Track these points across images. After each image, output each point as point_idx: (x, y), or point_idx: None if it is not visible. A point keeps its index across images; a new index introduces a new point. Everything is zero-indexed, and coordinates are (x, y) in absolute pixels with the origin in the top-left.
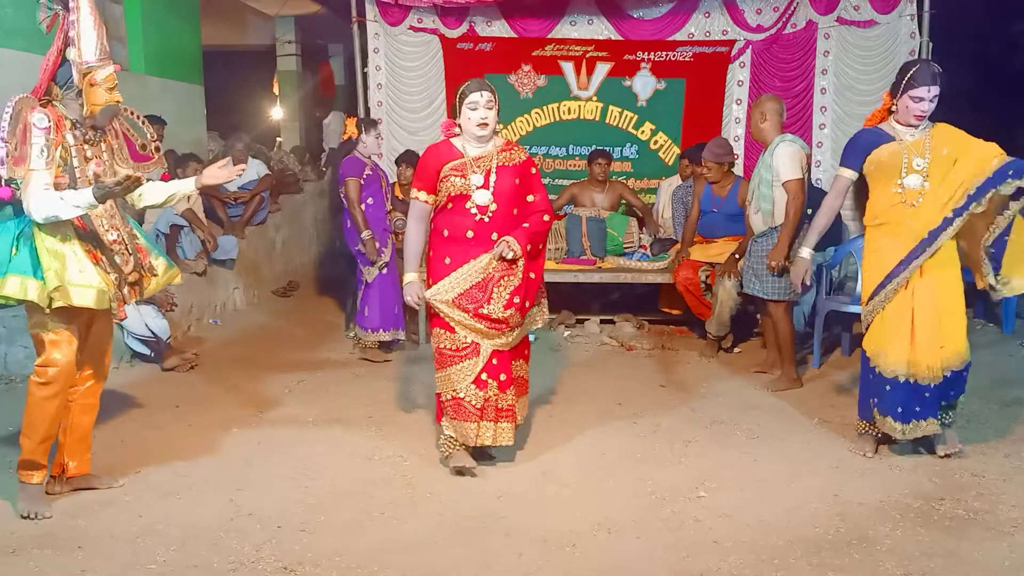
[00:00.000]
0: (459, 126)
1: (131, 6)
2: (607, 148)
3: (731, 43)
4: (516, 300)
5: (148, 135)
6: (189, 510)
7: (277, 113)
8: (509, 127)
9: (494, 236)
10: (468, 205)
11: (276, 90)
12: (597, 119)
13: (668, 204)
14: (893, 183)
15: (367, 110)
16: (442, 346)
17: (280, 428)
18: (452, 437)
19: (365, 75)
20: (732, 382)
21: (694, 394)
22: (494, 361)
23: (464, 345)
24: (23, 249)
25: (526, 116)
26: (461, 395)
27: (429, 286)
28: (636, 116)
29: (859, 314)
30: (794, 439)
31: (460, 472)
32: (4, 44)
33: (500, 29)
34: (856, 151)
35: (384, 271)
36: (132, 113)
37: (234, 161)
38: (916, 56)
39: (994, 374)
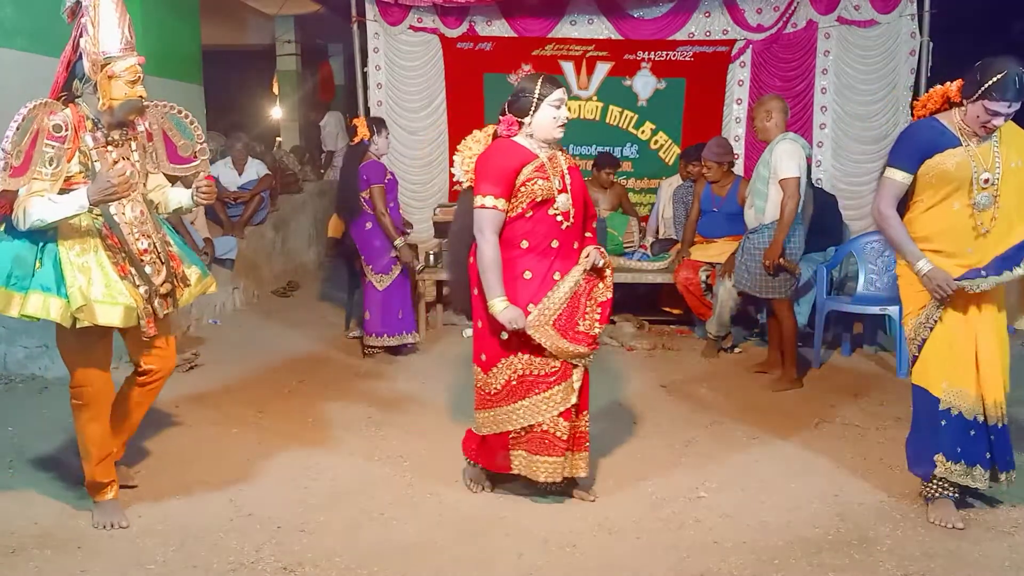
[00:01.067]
0: (520, 125)
1: (131, 6)
2: (614, 153)
3: (731, 43)
4: (607, 312)
5: (195, 136)
6: (189, 510)
7: (277, 113)
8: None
9: (575, 245)
10: (552, 211)
11: (276, 90)
12: (597, 119)
13: (668, 204)
14: (960, 201)
15: (367, 110)
16: (523, 373)
17: (280, 428)
18: (479, 472)
19: (365, 75)
20: (732, 382)
21: (694, 394)
22: (579, 385)
23: (554, 369)
24: (47, 263)
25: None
26: (546, 427)
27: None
28: (636, 116)
29: (859, 314)
30: (794, 439)
31: (470, 482)
32: (4, 44)
33: (500, 29)
34: (913, 149)
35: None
36: (180, 112)
37: (233, 161)
38: (916, 56)
39: None
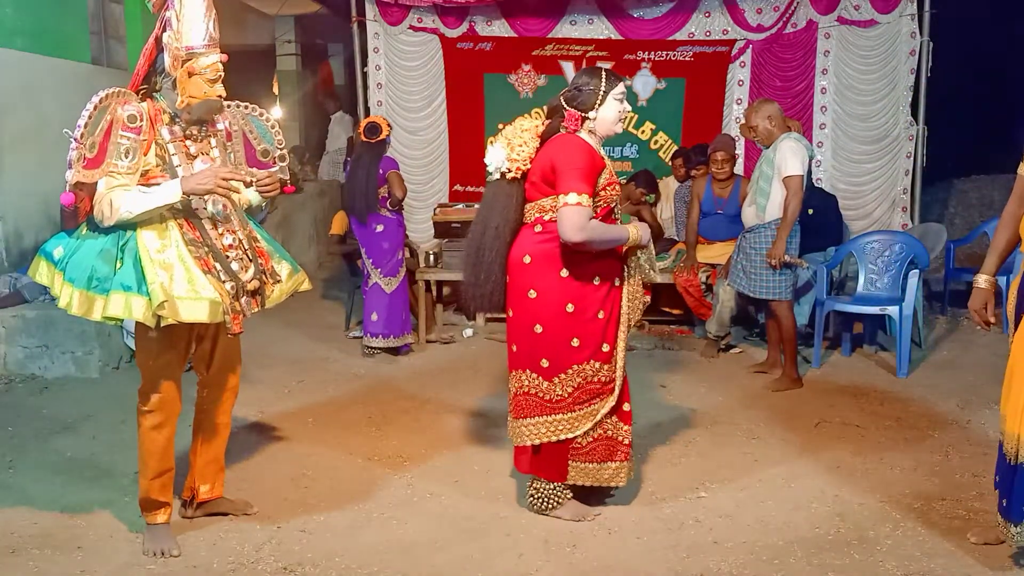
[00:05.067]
0: (583, 120)
1: (131, 6)
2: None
3: (731, 43)
4: None
5: (275, 142)
6: None
7: (277, 113)
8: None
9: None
10: (616, 216)
11: (276, 90)
12: None
13: (668, 204)
14: None
15: (367, 110)
16: (592, 379)
17: (280, 428)
18: (560, 487)
19: (365, 75)
20: (732, 382)
21: (694, 394)
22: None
23: (613, 375)
24: (127, 261)
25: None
26: (611, 434)
27: (565, 312)
28: (636, 116)
29: (859, 314)
30: (794, 439)
31: (580, 519)
32: (4, 44)
33: (500, 29)
34: None
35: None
36: (261, 115)
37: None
38: (916, 56)
39: (995, 374)
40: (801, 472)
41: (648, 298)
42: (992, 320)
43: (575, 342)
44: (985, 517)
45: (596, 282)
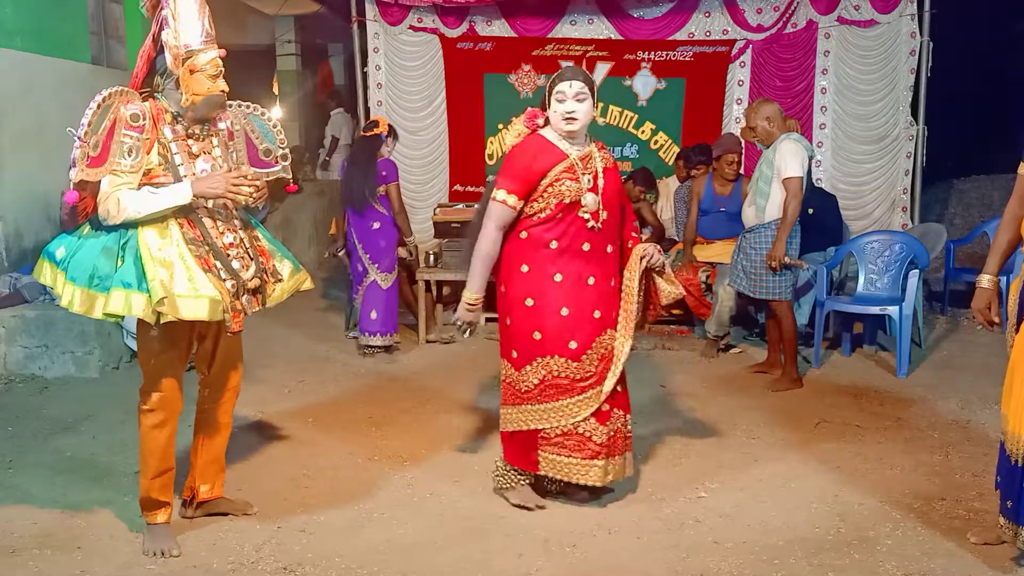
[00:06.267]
0: (546, 118)
1: (131, 6)
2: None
3: (731, 43)
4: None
5: (277, 141)
6: None
7: (277, 113)
8: (510, 127)
9: (609, 248)
10: (581, 212)
11: (276, 90)
12: (597, 118)
13: (667, 204)
14: None
15: (367, 110)
16: (559, 375)
17: (280, 428)
18: (517, 471)
19: (365, 75)
20: (732, 382)
21: (694, 394)
22: (619, 388)
23: (589, 374)
24: (128, 259)
25: (517, 119)
26: (580, 430)
27: (525, 306)
28: (636, 116)
29: (859, 314)
30: (794, 439)
31: (524, 507)
32: (4, 44)
33: (500, 29)
34: None
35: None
36: (263, 114)
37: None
38: (916, 56)
39: (995, 374)
40: (801, 472)
41: (669, 291)
42: (996, 320)
43: (537, 335)
44: (985, 517)
45: (557, 279)
